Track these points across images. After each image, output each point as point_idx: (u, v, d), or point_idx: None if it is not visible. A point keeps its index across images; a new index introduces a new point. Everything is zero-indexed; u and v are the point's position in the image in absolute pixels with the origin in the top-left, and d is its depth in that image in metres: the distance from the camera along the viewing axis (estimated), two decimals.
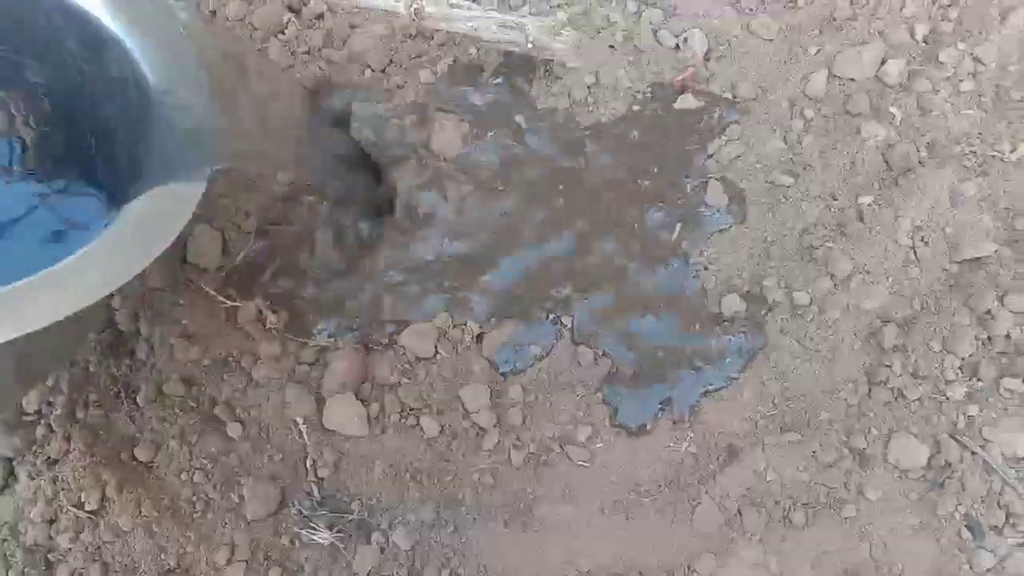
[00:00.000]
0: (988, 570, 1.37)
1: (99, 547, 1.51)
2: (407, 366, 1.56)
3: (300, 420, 1.54)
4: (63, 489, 1.54)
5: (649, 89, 1.69)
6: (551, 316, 1.58)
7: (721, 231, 1.60)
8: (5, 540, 1.55)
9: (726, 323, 1.54)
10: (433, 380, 1.55)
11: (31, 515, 1.54)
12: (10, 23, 1.20)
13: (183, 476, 1.53)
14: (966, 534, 1.39)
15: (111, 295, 1.65)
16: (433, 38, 1.74)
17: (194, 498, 1.52)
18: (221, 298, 1.60)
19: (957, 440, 1.43)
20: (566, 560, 1.45)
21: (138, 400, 1.59)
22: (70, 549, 1.51)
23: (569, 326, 1.57)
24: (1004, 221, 1.54)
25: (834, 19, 1.69)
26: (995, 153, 1.57)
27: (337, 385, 1.53)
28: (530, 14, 1.68)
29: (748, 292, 1.56)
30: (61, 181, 1.30)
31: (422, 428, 1.52)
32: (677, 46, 1.70)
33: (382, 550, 1.47)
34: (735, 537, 1.43)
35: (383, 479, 1.51)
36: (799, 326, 1.52)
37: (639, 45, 1.69)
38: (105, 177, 1.22)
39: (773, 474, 1.45)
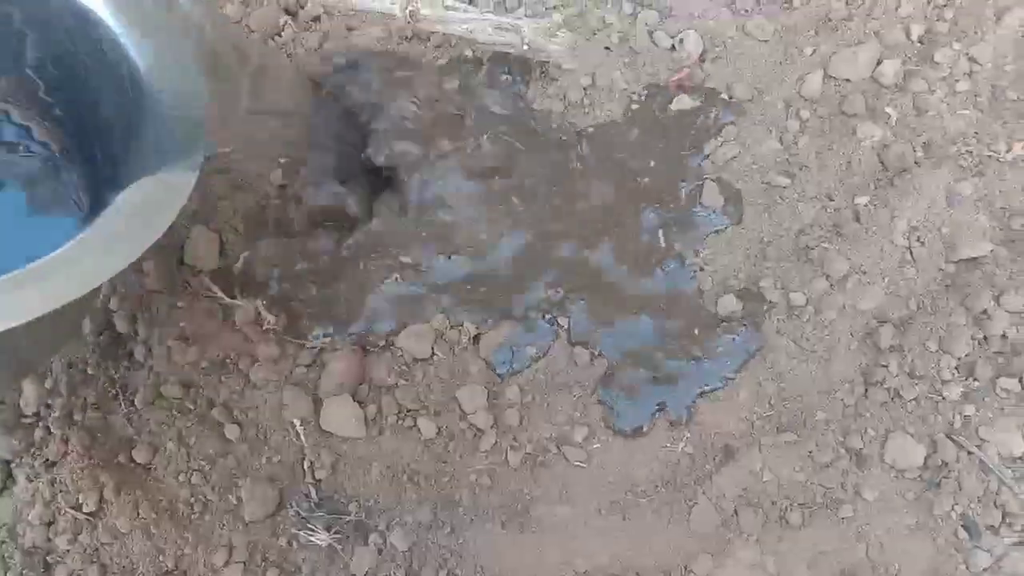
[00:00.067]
0: (984, 570, 1.37)
1: (97, 549, 1.51)
2: (404, 367, 1.56)
3: (297, 422, 1.54)
4: (61, 491, 1.54)
5: (645, 91, 1.70)
6: (548, 317, 1.58)
7: (717, 232, 1.60)
8: (3, 542, 1.56)
9: (722, 324, 1.54)
10: (430, 381, 1.55)
11: (29, 517, 1.54)
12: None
13: (181, 478, 1.54)
14: (963, 534, 1.39)
15: (109, 296, 1.66)
16: (429, 40, 1.75)
17: (192, 500, 1.52)
18: (221, 294, 1.60)
19: (953, 440, 1.43)
20: (563, 561, 1.45)
21: (136, 402, 1.59)
22: (68, 551, 1.52)
23: (566, 327, 1.57)
24: (1000, 221, 1.54)
25: (829, 20, 1.69)
26: (991, 153, 1.57)
27: (334, 387, 1.54)
28: (525, 16, 1.68)
29: (744, 293, 1.57)
30: (50, 169, 1.29)
31: (419, 429, 1.52)
32: (673, 47, 1.70)
33: (380, 551, 1.47)
34: (732, 537, 1.43)
35: (380, 480, 1.52)
36: (795, 327, 1.53)
37: (635, 47, 1.70)
38: (96, 166, 1.22)
39: (769, 474, 1.45)
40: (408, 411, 1.54)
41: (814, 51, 1.68)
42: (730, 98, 1.67)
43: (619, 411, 1.52)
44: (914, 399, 1.46)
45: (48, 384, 1.63)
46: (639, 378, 1.53)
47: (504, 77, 1.73)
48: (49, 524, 1.54)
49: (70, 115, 1.24)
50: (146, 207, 1.05)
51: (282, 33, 1.78)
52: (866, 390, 1.48)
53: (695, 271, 1.59)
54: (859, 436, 1.45)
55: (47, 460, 1.57)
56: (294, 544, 1.49)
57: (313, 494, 1.51)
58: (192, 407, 1.58)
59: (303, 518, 1.49)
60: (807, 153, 1.61)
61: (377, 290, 1.63)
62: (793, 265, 1.56)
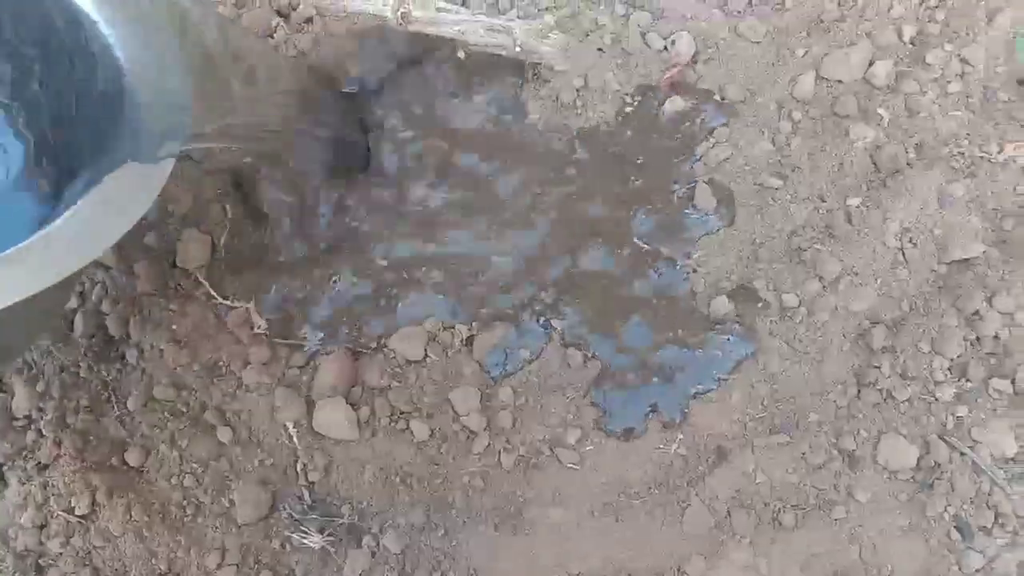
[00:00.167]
0: (977, 571, 1.37)
1: (89, 552, 1.51)
2: (397, 369, 1.56)
3: (290, 424, 1.54)
4: (53, 494, 1.54)
5: (637, 92, 1.69)
6: (541, 319, 1.58)
7: (710, 233, 1.60)
8: None
9: (715, 325, 1.54)
10: (423, 383, 1.55)
11: (21, 520, 1.54)
12: None
13: (173, 480, 1.53)
14: (955, 535, 1.39)
15: (101, 298, 1.66)
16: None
17: (184, 502, 1.52)
18: (213, 292, 1.60)
19: (946, 441, 1.43)
20: (556, 563, 1.45)
21: (128, 405, 1.59)
22: (60, 554, 1.51)
23: (559, 328, 1.57)
24: (992, 222, 1.54)
25: (821, 21, 1.69)
26: (983, 154, 1.57)
27: (327, 389, 1.54)
28: (518, 17, 1.68)
29: (737, 294, 1.56)
30: (23, 157, 1.28)
31: (412, 432, 1.52)
32: (665, 48, 1.70)
33: (373, 554, 1.47)
34: (725, 539, 1.43)
35: (373, 483, 1.51)
36: (788, 328, 1.53)
37: (627, 48, 1.70)
38: (70, 153, 1.21)
39: (762, 476, 1.45)
40: (401, 413, 1.54)
41: (806, 52, 1.68)
42: (722, 99, 1.67)
43: (612, 413, 1.52)
44: (907, 400, 1.46)
45: (40, 387, 1.62)
46: (632, 380, 1.53)
47: (495, 79, 1.73)
48: (41, 527, 1.54)
49: (46, 98, 1.23)
50: (120, 196, 1.04)
51: (274, 35, 1.78)
52: (859, 391, 1.49)
53: (688, 273, 1.58)
54: (852, 437, 1.46)
55: (39, 463, 1.57)
56: (287, 547, 1.49)
57: (306, 496, 1.51)
58: (185, 410, 1.58)
59: (296, 520, 1.49)
60: (799, 154, 1.61)
61: (366, 291, 1.63)
62: (785, 266, 1.56)
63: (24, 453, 1.59)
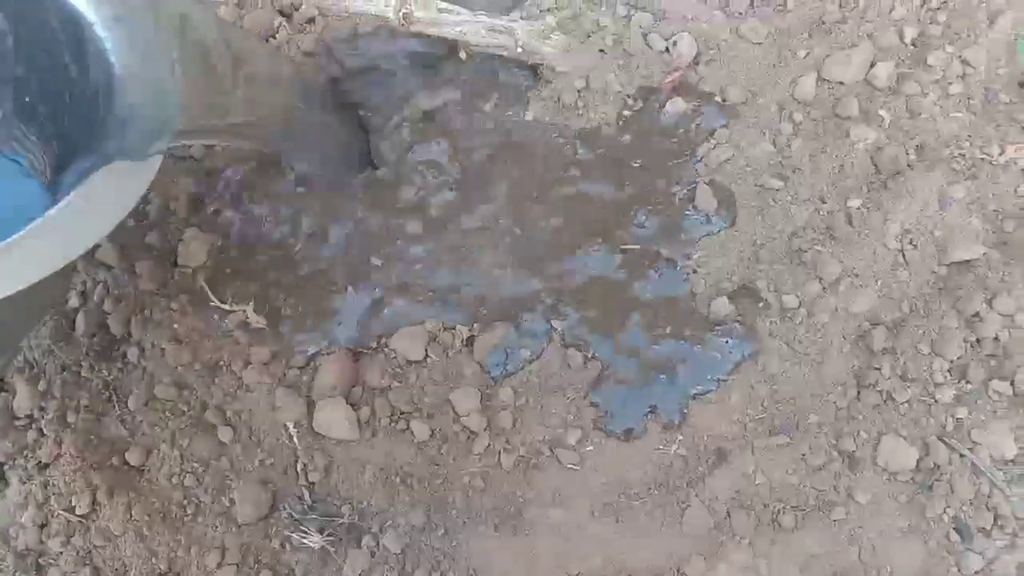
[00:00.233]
0: (976, 572, 1.37)
1: (90, 551, 1.52)
2: (398, 370, 1.56)
3: (291, 424, 1.54)
4: (54, 493, 1.55)
5: (639, 93, 1.69)
6: (541, 319, 1.58)
7: (710, 234, 1.60)
8: None
9: (715, 326, 1.54)
10: (424, 384, 1.55)
11: (22, 519, 1.55)
12: None
13: (174, 480, 1.54)
14: (954, 536, 1.39)
15: (103, 298, 1.66)
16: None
17: (185, 502, 1.53)
18: (211, 295, 1.60)
19: (946, 443, 1.43)
20: (556, 563, 1.45)
21: (129, 404, 1.59)
22: (61, 553, 1.52)
23: (559, 329, 1.57)
24: (993, 224, 1.54)
25: (823, 23, 1.69)
26: (984, 156, 1.57)
27: (327, 389, 1.54)
28: (520, 18, 1.68)
29: (737, 295, 1.56)
30: (17, 142, 1.28)
31: (412, 432, 1.52)
32: (667, 50, 1.70)
33: (372, 554, 1.48)
34: (724, 540, 1.43)
35: (374, 483, 1.52)
36: (788, 329, 1.53)
37: (629, 49, 1.70)
38: (63, 147, 1.22)
39: (762, 477, 1.45)
40: (401, 413, 1.54)
41: (807, 54, 1.68)
42: (724, 101, 1.67)
43: (612, 414, 1.52)
44: (906, 402, 1.46)
45: (41, 386, 1.63)
46: (632, 381, 1.54)
47: (497, 79, 1.73)
48: (42, 526, 1.55)
49: (40, 92, 1.23)
50: (111, 190, 1.05)
51: (277, 35, 1.78)
52: (858, 392, 1.49)
53: (688, 273, 1.59)
54: (851, 439, 1.46)
55: (40, 462, 1.58)
56: (287, 546, 1.49)
57: (306, 496, 1.52)
58: (186, 409, 1.58)
59: (296, 520, 1.49)
60: (800, 156, 1.61)
61: (365, 292, 1.63)
62: (786, 267, 1.57)
63: (25, 452, 1.60)
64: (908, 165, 1.58)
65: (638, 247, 1.61)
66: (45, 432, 1.59)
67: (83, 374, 1.63)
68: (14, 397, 1.63)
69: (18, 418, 1.62)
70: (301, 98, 1.56)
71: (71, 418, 1.59)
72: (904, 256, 1.53)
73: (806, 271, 1.55)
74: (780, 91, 1.66)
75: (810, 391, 1.50)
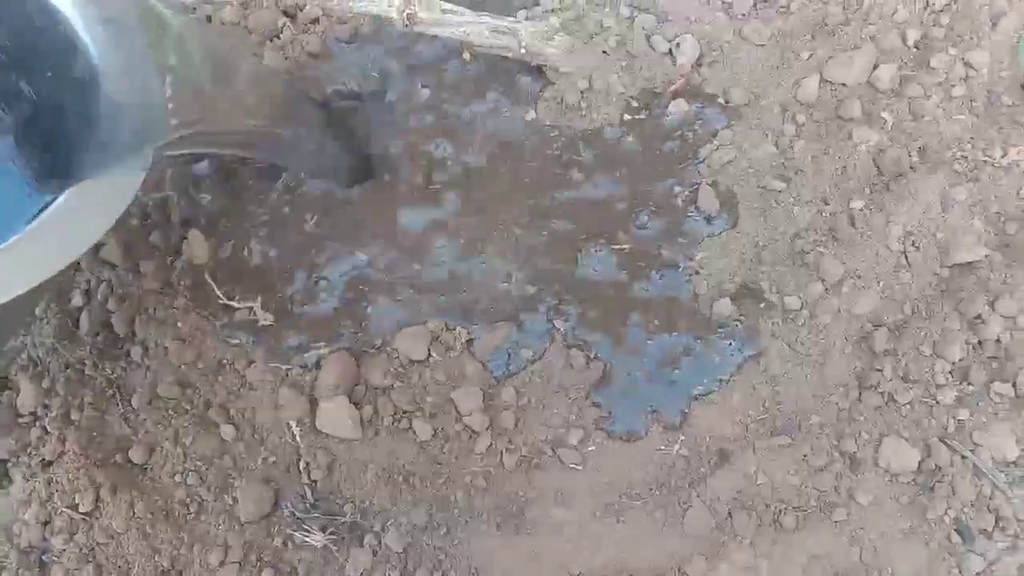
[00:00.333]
0: (977, 574, 1.38)
1: (93, 548, 1.52)
2: (400, 369, 1.57)
3: (294, 423, 1.55)
4: (57, 490, 1.55)
5: (641, 94, 1.70)
6: (544, 319, 1.59)
7: (713, 235, 1.60)
8: None
9: (718, 327, 1.55)
10: (426, 383, 1.56)
11: (25, 516, 1.55)
12: None
13: (177, 478, 1.54)
14: (956, 538, 1.40)
15: (107, 296, 1.66)
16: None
17: (188, 500, 1.53)
18: (217, 291, 1.61)
19: (947, 444, 1.44)
20: (558, 563, 1.46)
21: (133, 402, 1.60)
22: (64, 550, 1.52)
23: (561, 329, 1.58)
24: (995, 226, 1.54)
25: (826, 24, 1.69)
26: (986, 158, 1.57)
27: (330, 388, 1.54)
28: (524, 19, 1.68)
29: (739, 296, 1.57)
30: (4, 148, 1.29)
31: (415, 431, 1.52)
32: (670, 51, 1.70)
33: (375, 552, 1.48)
34: (726, 540, 1.44)
35: (376, 482, 1.52)
36: (790, 330, 1.53)
37: (632, 51, 1.70)
38: (50, 154, 1.22)
39: (764, 477, 1.46)
40: (404, 413, 1.54)
41: (810, 56, 1.68)
42: (726, 102, 1.68)
43: (614, 414, 1.53)
44: (908, 403, 1.46)
45: (45, 384, 1.63)
46: (634, 381, 1.54)
47: (500, 80, 1.74)
48: (45, 523, 1.55)
49: (27, 98, 1.23)
50: (98, 197, 1.05)
51: (281, 35, 1.78)
52: (860, 394, 1.49)
53: (690, 275, 1.59)
54: (853, 440, 1.46)
55: (44, 460, 1.58)
56: (289, 545, 1.50)
57: (308, 495, 1.52)
58: (189, 407, 1.59)
59: (298, 519, 1.49)
60: (803, 157, 1.61)
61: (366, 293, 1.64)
62: (788, 269, 1.57)
63: (29, 449, 1.60)
64: (910, 167, 1.59)
65: (640, 247, 1.61)
66: (49, 430, 1.59)
67: (87, 372, 1.63)
68: (18, 394, 1.64)
69: (22, 415, 1.62)
70: (284, 107, 1.56)
71: (75, 416, 1.59)
72: (906, 258, 1.54)
73: (808, 272, 1.55)
74: (783, 93, 1.67)
75: (812, 392, 1.50)
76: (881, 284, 1.53)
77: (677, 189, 1.64)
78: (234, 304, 1.62)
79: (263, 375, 1.57)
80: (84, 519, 1.52)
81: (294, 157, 1.61)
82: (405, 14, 1.53)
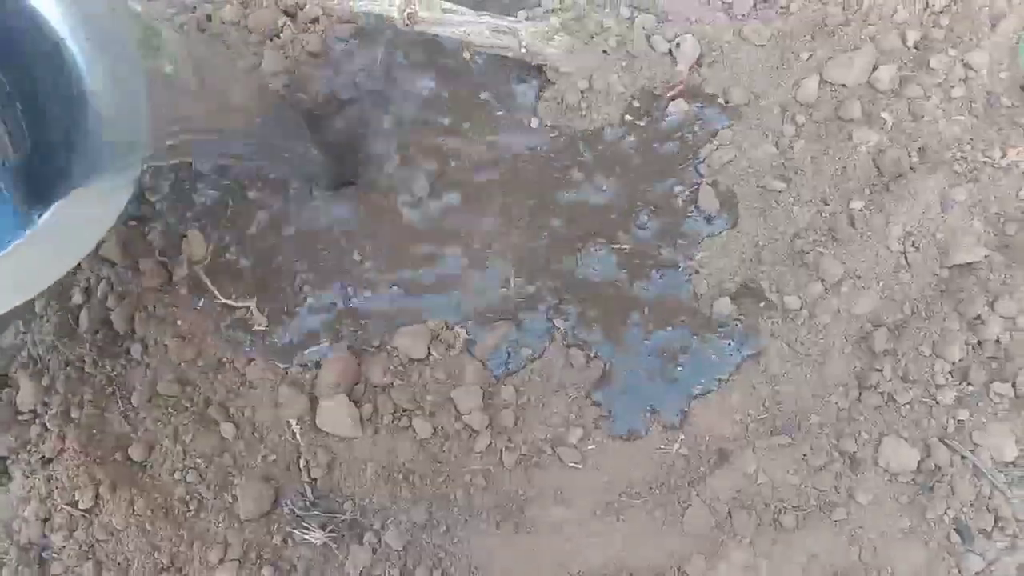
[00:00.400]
0: (977, 573, 1.38)
1: (92, 545, 1.52)
2: (400, 368, 1.57)
3: (293, 421, 1.55)
4: (57, 488, 1.55)
5: (642, 94, 1.70)
6: (544, 318, 1.59)
7: (712, 235, 1.60)
8: None
9: (717, 327, 1.55)
10: (426, 382, 1.56)
11: (25, 513, 1.55)
12: None
13: (176, 475, 1.54)
14: (955, 538, 1.40)
15: (107, 294, 1.66)
16: None
17: (187, 497, 1.53)
18: (214, 289, 1.61)
19: (947, 444, 1.44)
20: (557, 561, 1.46)
21: (133, 400, 1.60)
22: (63, 547, 1.52)
23: (561, 328, 1.58)
24: (995, 226, 1.55)
25: (826, 25, 1.69)
26: (986, 159, 1.57)
27: (330, 386, 1.54)
28: (524, 19, 1.69)
29: (739, 296, 1.57)
30: None
31: (415, 429, 1.53)
32: (670, 51, 1.70)
33: (374, 550, 1.48)
34: (725, 539, 1.44)
35: (376, 480, 1.52)
36: (790, 330, 1.53)
37: (632, 51, 1.70)
38: (38, 166, 1.21)
39: (763, 477, 1.46)
40: (404, 411, 1.54)
41: (810, 56, 1.68)
42: (726, 102, 1.68)
43: (614, 413, 1.53)
44: (908, 403, 1.47)
45: (45, 381, 1.63)
46: (634, 380, 1.54)
47: (500, 80, 1.74)
48: (45, 520, 1.55)
49: (14, 111, 1.23)
50: (80, 219, 1.05)
51: (281, 34, 1.79)
52: (860, 394, 1.49)
53: (690, 274, 1.59)
54: (853, 439, 1.46)
55: (43, 457, 1.58)
56: (289, 542, 1.50)
57: (308, 493, 1.52)
58: (189, 405, 1.59)
59: (298, 516, 1.49)
60: (803, 157, 1.62)
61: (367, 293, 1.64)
62: (788, 269, 1.57)
63: (29, 447, 1.60)
64: (910, 167, 1.59)
65: (640, 247, 1.62)
66: (48, 427, 1.59)
67: (86, 370, 1.63)
68: (18, 392, 1.64)
69: (21, 413, 1.62)
70: (270, 115, 1.55)
71: (74, 413, 1.60)
72: (906, 258, 1.54)
73: (808, 272, 1.55)
74: (783, 93, 1.67)
75: (812, 392, 1.50)
76: (881, 284, 1.54)
77: (677, 189, 1.64)
78: (233, 302, 1.62)
79: (263, 373, 1.58)
80: (84, 516, 1.53)
81: (275, 162, 1.60)
82: (406, 13, 1.54)
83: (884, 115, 1.62)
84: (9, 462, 1.60)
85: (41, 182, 1.10)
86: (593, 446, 1.51)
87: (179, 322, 1.63)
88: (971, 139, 1.60)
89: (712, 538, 1.44)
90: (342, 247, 1.68)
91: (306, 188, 1.71)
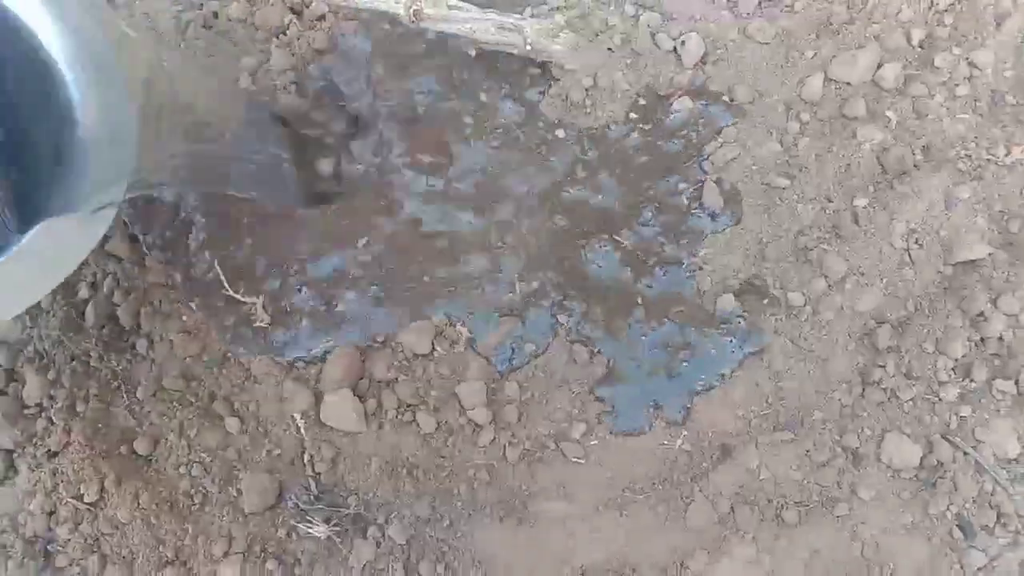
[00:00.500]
0: (979, 569, 1.38)
1: (98, 539, 1.53)
2: (404, 363, 1.57)
3: (298, 415, 1.55)
4: (62, 481, 1.56)
5: (646, 92, 1.71)
6: (548, 314, 1.59)
7: (716, 232, 1.61)
8: (4, 531, 1.57)
9: (721, 323, 1.55)
10: (430, 377, 1.56)
11: (31, 507, 1.56)
12: None
13: (181, 469, 1.55)
14: (957, 534, 1.40)
15: (112, 289, 1.67)
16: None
17: (192, 491, 1.53)
18: (225, 282, 1.61)
19: (949, 440, 1.44)
20: (560, 556, 1.46)
21: (138, 394, 1.60)
22: (69, 540, 1.53)
23: (565, 324, 1.58)
24: (998, 224, 1.55)
25: (830, 23, 1.70)
26: (990, 157, 1.58)
27: (335, 381, 1.55)
28: (529, 16, 1.69)
29: (743, 292, 1.57)
30: None
31: (419, 424, 1.53)
32: (675, 49, 1.71)
33: (378, 544, 1.48)
34: (728, 535, 1.44)
35: (380, 474, 1.53)
36: (794, 326, 1.54)
37: (637, 48, 1.71)
38: (24, 185, 1.21)
39: (766, 472, 1.46)
40: (408, 406, 1.55)
41: (815, 54, 1.69)
42: (731, 100, 1.68)
43: (617, 408, 1.53)
44: (911, 399, 1.47)
45: (51, 375, 1.64)
46: (637, 376, 1.55)
47: (505, 77, 1.74)
48: (50, 514, 1.55)
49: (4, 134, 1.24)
50: (55, 249, 1.05)
51: (287, 31, 1.80)
52: (863, 390, 1.49)
53: (694, 270, 1.60)
54: (856, 436, 1.46)
55: (49, 450, 1.59)
56: (293, 536, 1.50)
57: (312, 487, 1.52)
58: (193, 399, 1.59)
59: (302, 510, 1.50)
60: (807, 155, 1.62)
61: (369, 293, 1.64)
62: (792, 266, 1.57)
63: (34, 440, 1.61)
64: (914, 165, 1.59)
65: (644, 243, 1.62)
66: (54, 421, 1.60)
67: (92, 364, 1.64)
68: (24, 386, 1.64)
69: (27, 407, 1.63)
70: (251, 129, 1.55)
71: (80, 407, 1.60)
72: (910, 255, 1.54)
73: (812, 269, 1.56)
74: (787, 91, 1.68)
75: (815, 388, 1.51)
76: (884, 281, 1.54)
77: (681, 186, 1.65)
78: (241, 297, 1.62)
79: (268, 368, 1.58)
80: (89, 509, 1.53)
81: (250, 184, 1.59)
82: (412, 10, 1.54)
83: (888, 113, 1.63)
84: (15, 456, 1.61)
85: (26, 206, 1.11)
86: (596, 441, 1.52)
87: (184, 317, 1.63)
88: (975, 137, 1.60)
89: (715, 533, 1.45)
90: (343, 247, 1.68)
91: (299, 196, 1.71)
